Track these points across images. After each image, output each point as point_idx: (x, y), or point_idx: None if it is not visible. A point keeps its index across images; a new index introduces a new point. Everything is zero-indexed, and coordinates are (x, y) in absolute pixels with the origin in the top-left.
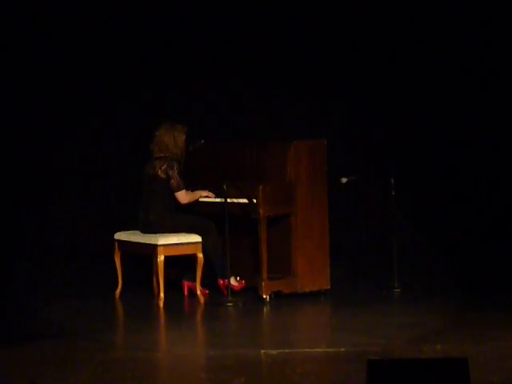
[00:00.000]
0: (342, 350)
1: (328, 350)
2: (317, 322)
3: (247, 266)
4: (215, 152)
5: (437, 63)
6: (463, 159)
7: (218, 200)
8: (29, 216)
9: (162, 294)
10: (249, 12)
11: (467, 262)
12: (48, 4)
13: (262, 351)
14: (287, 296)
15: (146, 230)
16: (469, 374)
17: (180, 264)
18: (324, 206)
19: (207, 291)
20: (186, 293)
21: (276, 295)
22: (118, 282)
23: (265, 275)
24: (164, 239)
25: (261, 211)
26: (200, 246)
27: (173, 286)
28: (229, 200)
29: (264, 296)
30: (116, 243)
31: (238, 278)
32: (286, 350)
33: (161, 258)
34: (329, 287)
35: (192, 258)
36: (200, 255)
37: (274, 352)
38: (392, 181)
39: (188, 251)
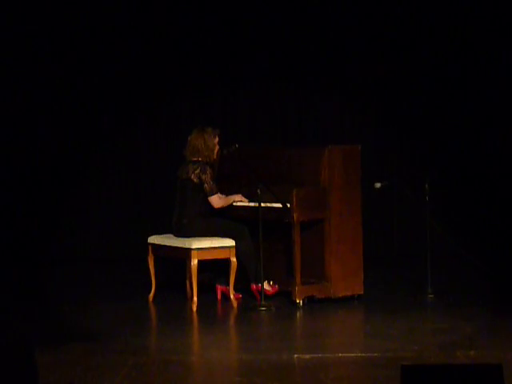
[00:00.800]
0: (376, 355)
1: (361, 355)
2: (350, 327)
3: (280, 270)
4: (249, 157)
5: (470, 74)
6: (499, 166)
7: (252, 204)
8: (65, 220)
9: (195, 298)
10: (288, 20)
11: (501, 268)
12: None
13: (295, 356)
14: (320, 301)
15: (179, 234)
16: (503, 380)
17: (213, 268)
18: (357, 211)
19: (240, 295)
20: (219, 297)
21: (309, 300)
22: (151, 286)
23: (298, 280)
24: (198, 243)
25: (295, 216)
26: (233, 250)
27: (206, 290)
28: (262, 204)
29: (297, 300)
30: (149, 247)
31: (271, 283)
32: (319, 355)
33: (194, 262)
34: (362, 292)
35: (225, 262)
36: (233, 259)
37: (307, 356)
38: (426, 186)
39: (221, 255)
